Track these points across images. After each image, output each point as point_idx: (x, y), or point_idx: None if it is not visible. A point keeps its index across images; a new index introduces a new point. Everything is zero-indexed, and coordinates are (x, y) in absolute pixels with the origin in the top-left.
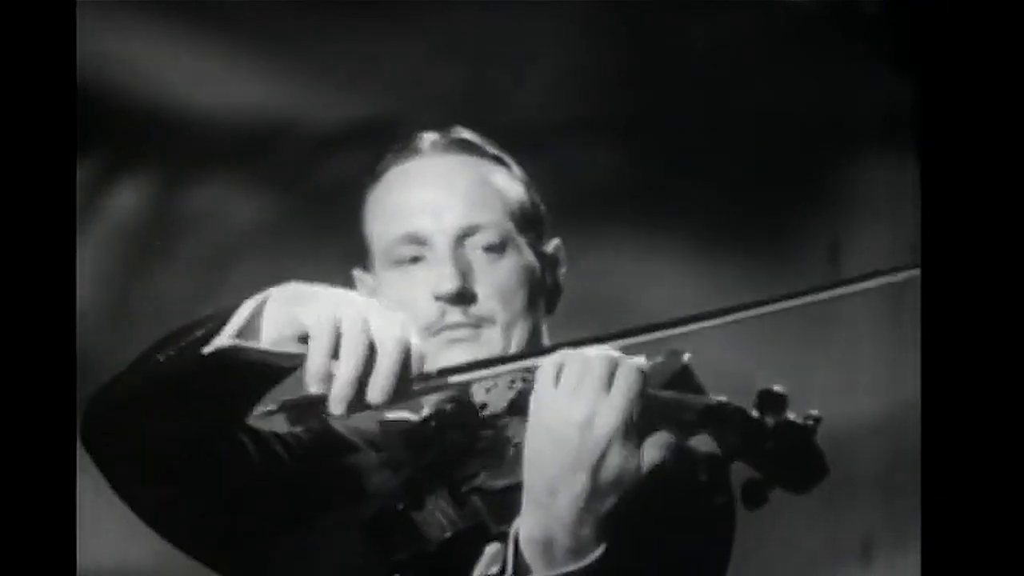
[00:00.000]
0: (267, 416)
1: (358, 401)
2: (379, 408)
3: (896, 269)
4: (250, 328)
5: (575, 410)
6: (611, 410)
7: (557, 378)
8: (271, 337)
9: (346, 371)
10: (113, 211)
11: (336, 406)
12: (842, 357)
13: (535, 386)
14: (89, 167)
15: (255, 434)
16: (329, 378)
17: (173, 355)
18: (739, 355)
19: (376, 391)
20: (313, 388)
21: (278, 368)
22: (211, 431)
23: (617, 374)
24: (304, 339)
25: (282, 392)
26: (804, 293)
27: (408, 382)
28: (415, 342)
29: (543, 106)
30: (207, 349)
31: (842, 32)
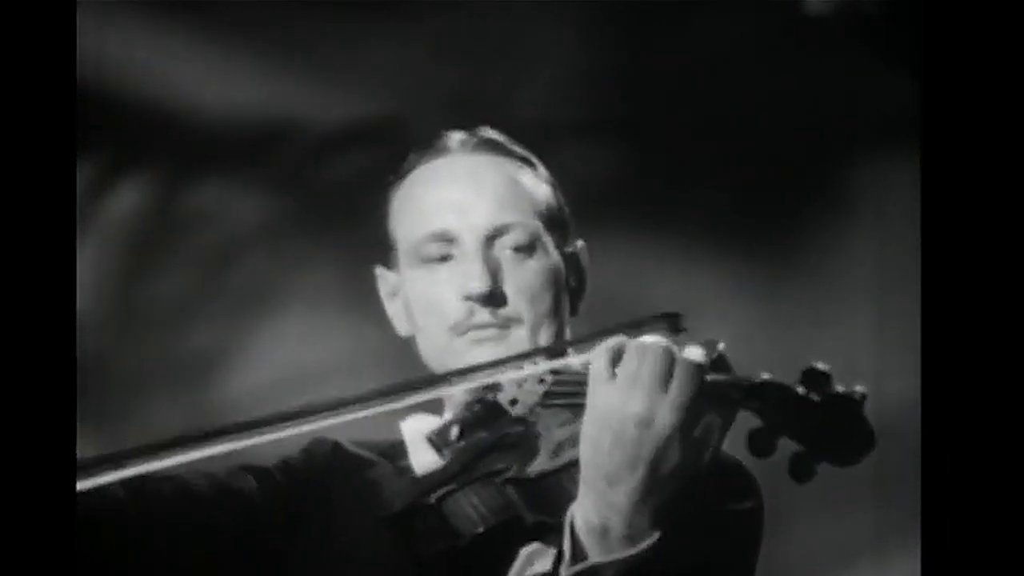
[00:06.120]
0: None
1: None
2: None
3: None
4: None
5: (633, 405)
6: (671, 409)
7: (612, 365)
8: None
9: None
10: (113, 211)
11: None
12: (842, 356)
13: (590, 372)
14: (89, 167)
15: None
16: None
17: None
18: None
19: None
20: None
21: None
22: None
23: (676, 371)
24: None
25: None
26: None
27: None
28: None
29: (543, 106)
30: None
31: (843, 32)
